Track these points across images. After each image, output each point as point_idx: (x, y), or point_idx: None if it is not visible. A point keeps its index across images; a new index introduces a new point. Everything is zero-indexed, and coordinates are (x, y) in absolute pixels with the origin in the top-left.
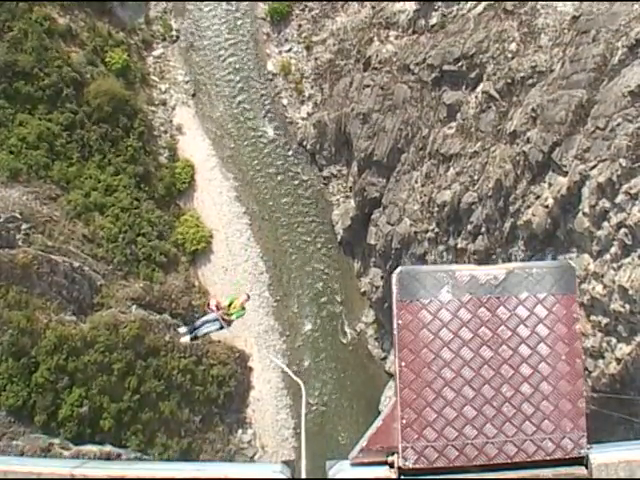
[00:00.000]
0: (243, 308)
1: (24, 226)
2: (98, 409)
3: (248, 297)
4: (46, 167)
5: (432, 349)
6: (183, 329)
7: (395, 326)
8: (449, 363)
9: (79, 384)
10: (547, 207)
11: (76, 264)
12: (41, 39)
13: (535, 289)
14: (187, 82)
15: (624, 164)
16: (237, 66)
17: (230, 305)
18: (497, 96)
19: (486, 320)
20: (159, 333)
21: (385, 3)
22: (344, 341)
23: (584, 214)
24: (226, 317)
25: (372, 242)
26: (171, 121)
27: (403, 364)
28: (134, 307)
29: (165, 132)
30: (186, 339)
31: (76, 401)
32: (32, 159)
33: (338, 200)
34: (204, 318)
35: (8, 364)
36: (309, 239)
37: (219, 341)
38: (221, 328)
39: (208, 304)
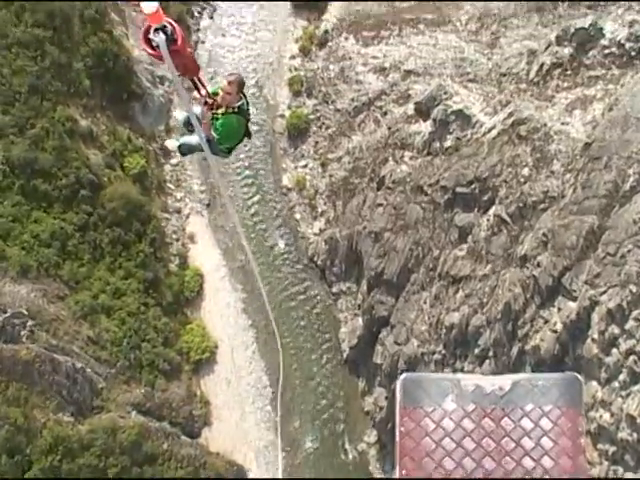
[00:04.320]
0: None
1: (30, 323)
2: None
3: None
4: (57, 266)
5: (434, 458)
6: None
7: (397, 433)
8: (451, 473)
9: None
10: (556, 332)
11: (79, 365)
12: (62, 139)
13: (540, 401)
14: (202, 192)
15: (634, 290)
16: (253, 179)
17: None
18: (509, 220)
19: (490, 431)
20: (157, 441)
21: (401, 124)
22: (345, 460)
23: (593, 340)
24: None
25: (378, 361)
26: (184, 229)
27: (404, 472)
28: (134, 413)
29: (177, 240)
30: (173, 144)
31: None
32: (43, 257)
33: (346, 317)
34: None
35: (1, 460)
36: (315, 356)
37: (218, 453)
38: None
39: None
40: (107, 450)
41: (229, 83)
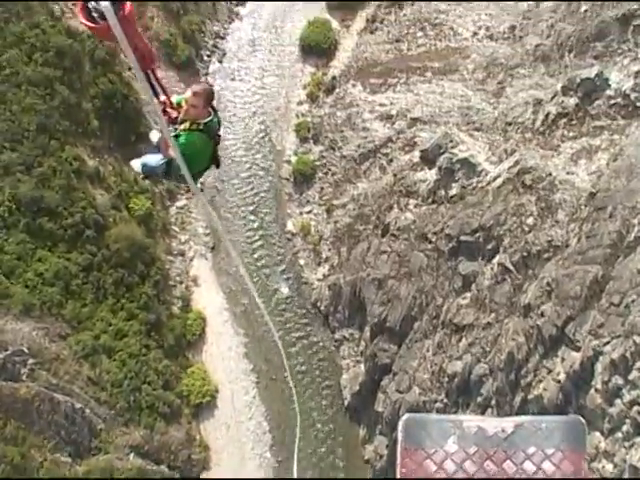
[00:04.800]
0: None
1: (30, 361)
2: None
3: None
4: (59, 305)
5: None
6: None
7: (398, 474)
8: None
9: None
10: (559, 382)
11: (78, 405)
12: (69, 178)
13: (543, 444)
14: (207, 235)
15: (638, 341)
16: (257, 224)
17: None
18: (513, 269)
19: (492, 473)
20: None
21: (407, 172)
22: None
23: (596, 390)
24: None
25: (380, 409)
26: (188, 272)
27: None
28: (132, 455)
29: (181, 282)
30: (136, 164)
31: None
32: (47, 296)
33: (348, 364)
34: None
35: None
36: (316, 402)
37: None
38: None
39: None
40: None
41: (194, 94)
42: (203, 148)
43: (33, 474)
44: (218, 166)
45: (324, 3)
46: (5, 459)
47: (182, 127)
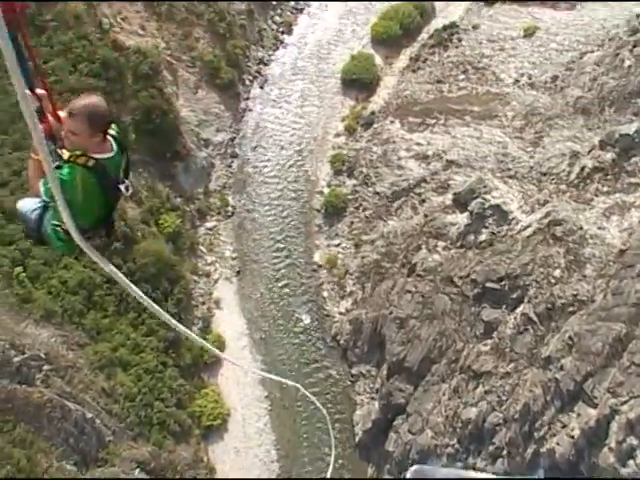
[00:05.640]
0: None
1: (46, 367)
2: None
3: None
4: (80, 314)
5: None
6: None
7: None
8: None
9: None
10: (573, 437)
11: (89, 415)
12: None
13: None
14: (234, 259)
15: None
16: (285, 252)
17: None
18: (536, 319)
19: None
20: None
21: (438, 213)
22: None
23: (610, 449)
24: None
25: (390, 449)
26: (211, 294)
27: None
28: (137, 470)
29: (203, 303)
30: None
31: None
32: (69, 304)
33: (362, 400)
34: None
35: None
36: (325, 435)
37: None
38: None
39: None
40: None
41: (70, 114)
42: (86, 196)
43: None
44: (109, 227)
45: (369, 38)
46: (11, 460)
47: (65, 155)
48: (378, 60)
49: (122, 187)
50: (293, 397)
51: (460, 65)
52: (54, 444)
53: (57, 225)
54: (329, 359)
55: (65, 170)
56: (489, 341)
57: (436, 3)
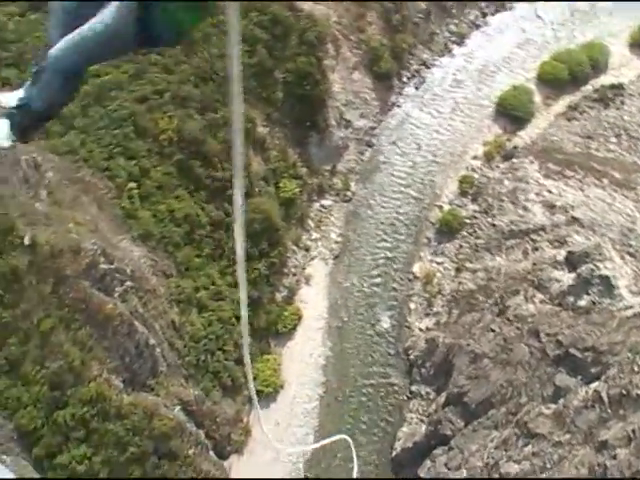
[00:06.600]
0: None
1: (128, 283)
2: (93, 475)
3: None
4: (176, 246)
5: None
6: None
7: None
8: None
9: (89, 444)
10: None
11: (152, 341)
12: None
13: None
14: (337, 242)
15: None
16: (387, 251)
17: None
18: (606, 401)
19: None
20: (186, 443)
21: (546, 266)
22: None
23: None
24: None
25: (422, 475)
26: (304, 268)
27: None
28: (178, 408)
29: (294, 274)
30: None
31: (78, 457)
32: (169, 232)
33: (412, 419)
34: None
35: (42, 390)
36: (367, 440)
37: None
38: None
39: None
40: (137, 429)
41: None
42: None
43: (83, 382)
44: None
45: (536, 74)
46: (66, 358)
47: None
48: (537, 98)
49: None
50: (348, 394)
51: (615, 128)
52: (110, 357)
53: None
54: (394, 369)
55: None
56: (553, 406)
57: (610, 60)
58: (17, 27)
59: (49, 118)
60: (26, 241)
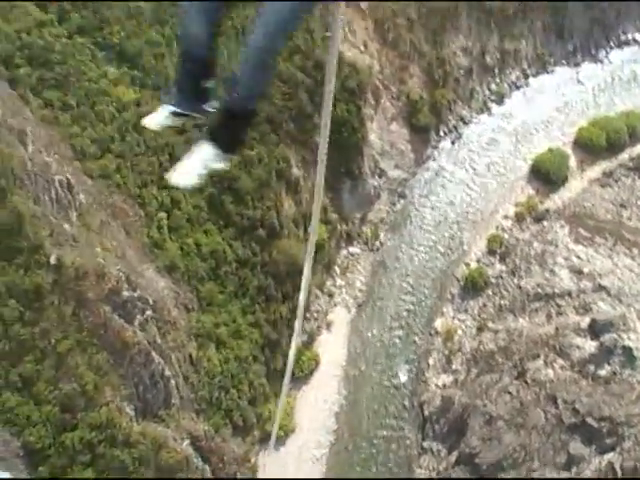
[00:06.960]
0: None
1: (149, 312)
2: None
3: None
4: (200, 280)
5: None
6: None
7: None
8: None
9: (96, 469)
10: None
11: (167, 373)
12: (270, 174)
13: None
14: (361, 290)
15: None
16: (410, 305)
17: None
18: (619, 473)
19: None
20: (191, 477)
21: (569, 332)
22: None
23: None
24: None
25: None
26: (326, 314)
27: None
28: (186, 442)
29: (315, 319)
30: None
31: None
32: (194, 266)
33: (420, 474)
34: None
35: (53, 410)
36: None
37: None
38: None
39: None
40: (144, 458)
41: None
42: None
43: (95, 408)
44: None
45: (573, 138)
46: (80, 381)
47: None
48: (572, 162)
49: None
50: (358, 444)
51: None
52: (124, 384)
53: None
54: (407, 422)
55: None
56: (565, 474)
57: None
58: (63, 49)
59: (254, 114)
60: (52, 261)
